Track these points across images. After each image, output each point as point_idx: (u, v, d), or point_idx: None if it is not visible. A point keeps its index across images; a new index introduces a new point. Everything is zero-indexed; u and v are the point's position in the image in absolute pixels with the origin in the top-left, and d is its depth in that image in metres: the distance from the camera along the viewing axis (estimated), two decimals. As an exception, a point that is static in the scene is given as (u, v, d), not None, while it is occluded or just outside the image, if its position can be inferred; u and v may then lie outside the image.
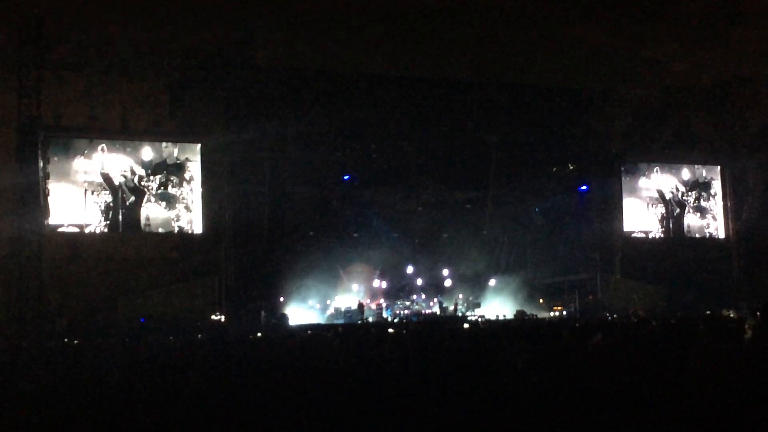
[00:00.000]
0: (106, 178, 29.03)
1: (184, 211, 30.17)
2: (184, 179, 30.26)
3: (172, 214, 30.09)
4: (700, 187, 34.84)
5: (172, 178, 30.13)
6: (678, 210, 34.34)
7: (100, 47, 27.55)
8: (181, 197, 30.31)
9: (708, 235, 34.80)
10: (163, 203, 29.96)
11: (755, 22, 31.22)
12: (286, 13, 27.78)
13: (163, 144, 29.90)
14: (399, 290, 33.28)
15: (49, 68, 26.51)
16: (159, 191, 29.96)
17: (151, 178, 29.89)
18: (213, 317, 27.48)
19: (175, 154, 30.22)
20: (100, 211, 28.87)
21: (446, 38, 28.39)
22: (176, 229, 29.78)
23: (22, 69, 25.85)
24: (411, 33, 27.98)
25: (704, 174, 35.01)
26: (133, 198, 29.41)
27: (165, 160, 30.08)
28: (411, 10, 28.42)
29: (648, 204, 34.05)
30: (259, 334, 20.88)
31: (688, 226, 34.50)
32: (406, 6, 28.53)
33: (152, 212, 29.83)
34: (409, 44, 28.01)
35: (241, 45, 27.40)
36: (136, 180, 29.50)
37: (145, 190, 29.70)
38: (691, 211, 34.52)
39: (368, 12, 27.96)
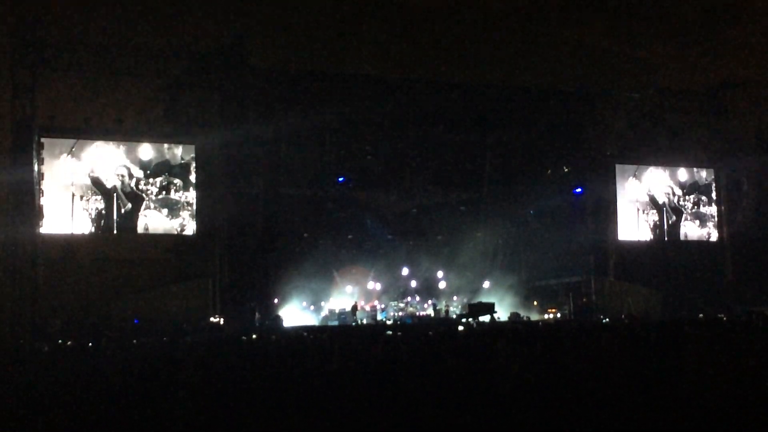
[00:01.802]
0: (96, 182, 27.02)
1: (190, 219, 27.77)
2: (190, 183, 28.02)
3: (175, 223, 27.76)
4: (699, 190, 34.72)
5: (175, 181, 27.74)
6: (674, 215, 34.29)
7: (95, 48, 27.46)
8: (185, 203, 27.88)
9: (706, 238, 34.76)
10: (165, 210, 27.67)
11: (749, 26, 31.29)
12: (280, 14, 27.72)
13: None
14: (393, 292, 33.27)
15: (44, 69, 26.42)
16: (160, 196, 27.64)
17: (151, 180, 27.57)
18: (212, 319, 27.15)
19: (179, 154, 28.04)
20: (90, 220, 26.96)
21: (441, 40, 28.36)
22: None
23: (16, 69, 25.79)
24: (406, 34, 27.94)
25: (704, 177, 34.89)
26: (130, 205, 27.18)
27: (167, 161, 27.86)
28: (406, 12, 28.40)
29: (642, 208, 34.00)
30: (254, 336, 20.88)
31: (685, 235, 34.43)
32: (401, 7, 28.50)
33: (152, 221, 27.46)
34: (404, 45, 27.96)
35: (236, 46, 27.30)
36: (133, 183, 27.33)
37: (144, 195, 27.37)
38: (689, 218, 34.42)
39: (363, 13, 27.92)
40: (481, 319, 28.17)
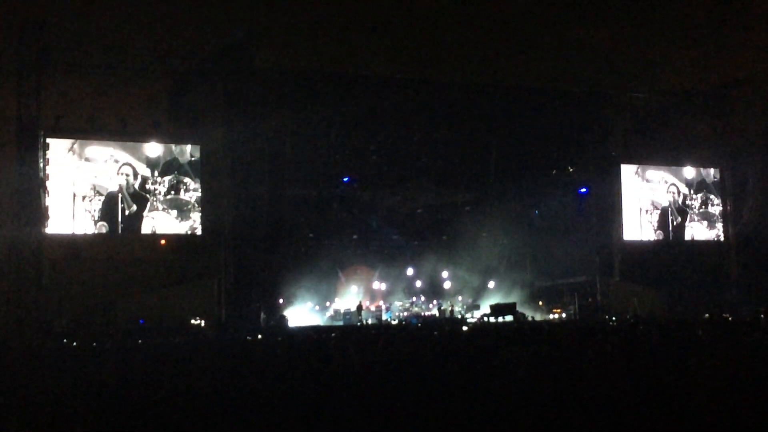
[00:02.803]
0: (99, 182, 26.01)
1: (200, 222, 26.35)
2: (200, 182, 26.62)
3: (185, 225, 26.55)
4: (707, 188, 34.52)
5: (185, 180, 26.46)
6: (679, 215, 34.17)
7: (100, 49, 27.47)
8: (196, 204, 26.62)
9: (714, 238, 34.63)
10: (174, 212, 26.45)
11: (755, 25, 31.25)
12: (285, 15, 27.76)
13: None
14: (399, 292, 33.28)
15: (49, 69, 26.43)
16: (168, 197, 26.40)
17: (159, 179, 26.31)
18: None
19: (188, 151, 26.81)
20: (93, 221, 26.12)
21: (446, 40, 28.43)
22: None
23: (22, 70, 25.81)
24: (410, 35, 28.01)
25: (712, 174, 34.68)
26: (135, 207, 26.11)
27: (176, 158, 26.70)
28: (410, 12, 28.45)
29: (647, 208, 33.90)
30: (259, 336, 20.91)
31: (692, 235, 34.30)
32: (406, 8, 28.55)
33: (160, 224, 26.21)
34: (409, 46, 28.03)
35: (240, 47, 27.29)
36: (138, 183, 26.15)
37: (148, 195, 26.18)
38: (695, 218, 34.25)
39: (367, 14, 27.97)
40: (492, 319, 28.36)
